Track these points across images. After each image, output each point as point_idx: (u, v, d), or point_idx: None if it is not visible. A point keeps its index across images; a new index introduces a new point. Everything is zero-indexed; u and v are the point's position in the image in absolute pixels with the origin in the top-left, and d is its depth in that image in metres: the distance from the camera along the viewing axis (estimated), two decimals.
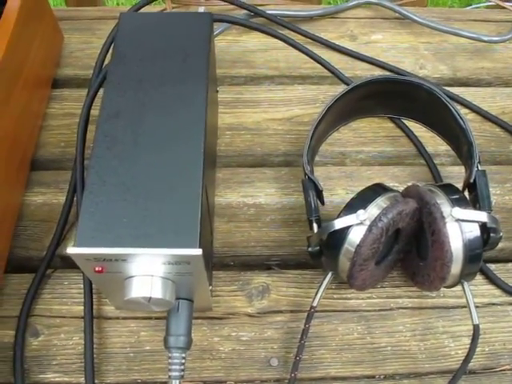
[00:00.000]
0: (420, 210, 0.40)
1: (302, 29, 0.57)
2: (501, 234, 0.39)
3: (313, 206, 0.43)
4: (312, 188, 0.44)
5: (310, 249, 0.42)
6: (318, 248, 0.41)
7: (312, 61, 0.56)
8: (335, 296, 0.45)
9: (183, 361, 0.37)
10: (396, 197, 0.41)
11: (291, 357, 0.41)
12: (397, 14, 0.61)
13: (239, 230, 0.47)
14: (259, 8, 0.55)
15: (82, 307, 0.42)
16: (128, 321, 0.43)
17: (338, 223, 0.39)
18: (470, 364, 0.40)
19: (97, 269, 0.33)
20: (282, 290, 0.45)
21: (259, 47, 0.59)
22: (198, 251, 0.31)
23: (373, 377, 0.41)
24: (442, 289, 0.45)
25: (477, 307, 0.41)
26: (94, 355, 0.41)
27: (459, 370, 0.39)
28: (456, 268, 0.39)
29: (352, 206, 0.40)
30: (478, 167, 0.43)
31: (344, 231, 0.39)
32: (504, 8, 0.62)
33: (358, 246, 0.38)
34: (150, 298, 0.34)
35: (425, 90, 0.48)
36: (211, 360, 0.42)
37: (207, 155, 0.38)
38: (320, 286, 0.42)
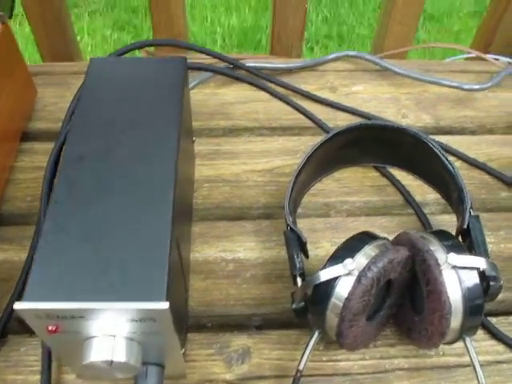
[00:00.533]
0: (412, 258, 0.37)
1: (282, 80, 0.57)
2: (501, 282, 0.36)
3: (296, 259, 0.40)
4: (295, 240, 0.41)
5: (294, 305, 0.38)
6: (302, 304, 0.38)
7: (293, 112, 0.55)
8: (324, 358, 0.40)
9: None
10: (385, 244, 0.38)
11: None
12: (377, 67, 0.61)
13: (217, 288, 0.43)
14: (239, 61, 0.55)
15: (39, 376, 0.37)
16: None
17: (324, 275, 0.36)
18: None
19: (50, 328, 0.29)
20: (264, 353, 0.40)
21: (238, 99, 0.58)
22: (165, 305, 0.27)
23: None
24: (442, 346, 0.41)
25: (481, 366, 0.37)
26: None
27: None
28: (456, 321, 0.35)
29: (338, 256, 0.37)
30: (470, 212, 0.41)
31: (330, 283, 0.36)
32: (483, 60, 0.62)
33: (347, 299, 0.35)
34: (112, 361, 0.30)
35: (410, 136, 0.46)
36: None
37: (180, 207, 0.35)
38: (306, 347, 0.37)
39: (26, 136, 0.53)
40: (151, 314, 0.28)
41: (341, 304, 0.35)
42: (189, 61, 0.41)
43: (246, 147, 0.53)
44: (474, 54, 0.60)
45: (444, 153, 0.44)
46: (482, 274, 0.36)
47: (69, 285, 0.28)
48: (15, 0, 0.50)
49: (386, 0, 0.64)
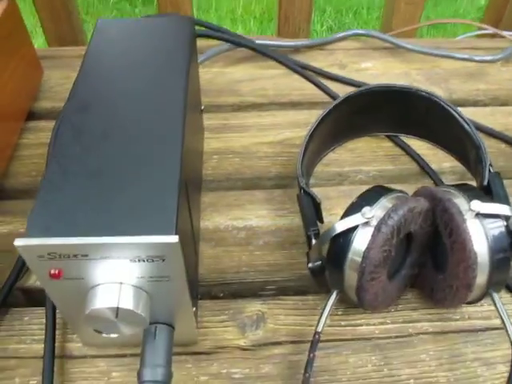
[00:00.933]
0: (433, 210, 0.35)
1: (291, 58, 0.56)
2: None
3: (311, 219, 0.38)
4: (309, 201, 0.39)
5: (310, 264, 0.36)
6: (319, 262, 0.36)
7: (302, 88, 0.54)
8: (343, 323, 0.38)
9: None
10: (404, 196, 0.36)
11: None
12: (386, 44, 0.60)
13: (228, 255, 0.42)
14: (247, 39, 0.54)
15: (43, 345, 0.35)
16: (97, 360, 0.36)
17: (340, 225, 0.34)
18: None
19: (52, 272, 0.27)
20: (279, 319, 0.38)
21: (246, 77, 0.57)
22: (175, 238, 0.26)
23: None
24: (467, 310, 0.39)
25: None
26: None
27: None
28: (482, 272, 0.33)
29: (354, 208, 0.35)
30: (490, 170, 0.39)
31: (348, 234, 0.34)
32: (493, 37, 0.61)
33: (367, 249, 0.33)
34: (118, 308, 0.28)
35: (422, 98, 0.45)
36: None
37: (189, 161, 0.33)
38: (325, 308, 0.35)
39: (32, 115, 0.52)
40: (160, 250, 0.26)
41: (360, 257, 0.33)
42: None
43: (255, 121, 0.52)
44: (488, 28, 0.59)
45: (458, 110, 0.43)
46: (507, 226, 0.34)
47: (72, 221, 0.26)
48: None
49: None
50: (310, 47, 0.59)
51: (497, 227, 0.34)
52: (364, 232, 0.34)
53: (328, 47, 0.61)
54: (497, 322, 0.38)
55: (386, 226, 0.33)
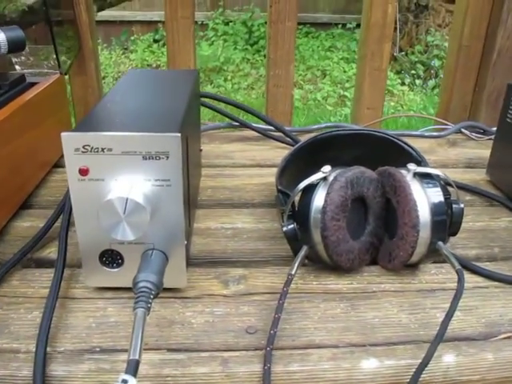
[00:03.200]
0: (382, 182, 0.44)
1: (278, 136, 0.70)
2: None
3: (284, 201, 0.46)
4: (284, 195, 0.48)
5: (284, 228, 0.43)
6: (292, 225, 0.43)
7: None
8: (314, 283, 0.43)
9: (151, 299, 0.34)
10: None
11: (269, 327, 0.37)
12: None
13: (217, 243, 0.48)
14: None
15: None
16: (96, 300, 0.40)
17: (305, 182, 0.42)
18: (469, 332, 0.38)
19: (82, 167, 0.35)
20: (259, 278, 0.43)
21: (238, 150, 0.70)
22: (177, 134, 0.35)
23: (363, 345, 0.37)
24: (424, 277, 0.44)
25: (464, 290, 0.40)
26: (52, 324, 0.37)
27: (450, 307, 0.36)
28: (424, 214, 0.40)
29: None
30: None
31: (311, 189, 0.42)
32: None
33: (327, 193, 0.41)
34: (127, 200, 0.35)
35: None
36: (181, 329, 0.38)
37: (187, 132, 0.44)
38: (297, 257, 0.41)
39: (59, 165, 0.64)
40: (166, 143, 0.35)
41: (322, 203, 0.41)
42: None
43: (244, 172, 0.63)
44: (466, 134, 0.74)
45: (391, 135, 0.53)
46: (443, 186, 0.42)
47: (104, 127, 0.36)
48: (72, 63, 0.66)
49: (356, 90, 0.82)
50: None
51: (430, 182, 0.42)
52: (324, 184, 0.42)
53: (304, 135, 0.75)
54: (451, 285, 0.43)
55: (341, 177, 0.41)
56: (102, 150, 0.35)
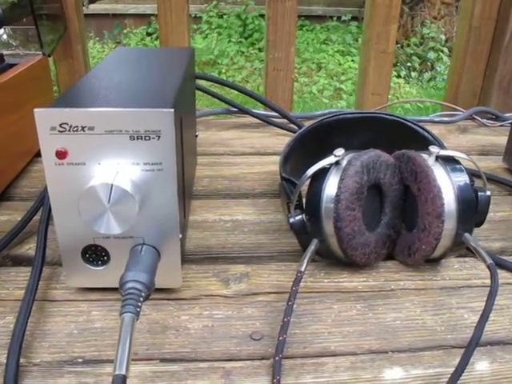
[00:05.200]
0: (399, 168, 0.39)
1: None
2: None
3: (291, 192, 0.41)
4: (289, 183, 0.43)
5: (291, 219, 0.39)
6: (300, 216, 0.38)
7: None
8: (326, 280, 0.38)
9: (141, 302, 0.30)
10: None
11: (277, 333, 0.32)
12: None
13: (215, 237, 0.43)
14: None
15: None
16: (79, 302, 0.35)
17: (315, 167, 0.38)
18: (502, 335, 0.33)
19: (59, 149, 0.30)
20: (263, 276, 0.39)
21: (236, 137, 0.65)
22: (170, 110, 0.30)
23: (384, 352, 0.32)
24: (447, 273, 0.39)
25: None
26: (27, 332, 0.32)
27: (486, 307, 0.31)
28: (449, 202, 0.36)
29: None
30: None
31: (322, 175, 0.37)
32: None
33: (341, 179, 0.36)
34: (112, 186, 0.30)
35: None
36: (176, 336, 0.33)
37: (182, 110, 0.39)
38: (307, 252, 0.37)
39: None
40: (156, 121, 0.30)
41: (334, 193, 0.36)
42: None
43: (243, 160, 0.58)
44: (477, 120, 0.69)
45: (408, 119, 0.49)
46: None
47: (85, 102, 0.31)
48: (57, 45, 0.61)
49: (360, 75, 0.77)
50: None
51: (456, 167, 0.37)
52: (336, 170, 0.37)
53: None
54: (477, 281, 0.39)
55: (356, 160, 0.37)
56: (83, 128, 0.30)
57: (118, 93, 0.34)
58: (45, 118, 0.30)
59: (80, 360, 0.31)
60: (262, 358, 0.31)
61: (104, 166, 0.31)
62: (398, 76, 3.05)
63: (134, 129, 0.30)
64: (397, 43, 3.27)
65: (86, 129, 0.30)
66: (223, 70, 3.06)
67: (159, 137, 0.30)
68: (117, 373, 0.25)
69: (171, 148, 0.31)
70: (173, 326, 0.33)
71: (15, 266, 0.39)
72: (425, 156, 0.38)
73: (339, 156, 0.37)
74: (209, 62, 3.15)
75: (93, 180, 0.30)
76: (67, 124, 0.30)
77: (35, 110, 0.29)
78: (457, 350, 0.32)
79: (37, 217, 0.42)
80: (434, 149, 0.38)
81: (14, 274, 0.38)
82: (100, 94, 0.34)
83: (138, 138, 0.30)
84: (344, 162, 0.37)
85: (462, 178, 0.37)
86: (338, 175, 0.36)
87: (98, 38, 3.27)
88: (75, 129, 0.30)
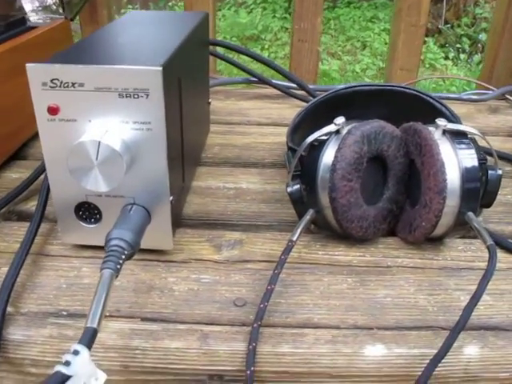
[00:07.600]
0: (406, 141, 0.37)
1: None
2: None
3: (294, 162, 0.40)
4: (293, 152, 0.42)
5: (288, 189, 0.38)
6: (297, 186, 0.37)
7: None
8: (320, 252, 0.37)
9: (122, 259, 0.30)
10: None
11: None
12: None
13: (215, 203, 0.43)
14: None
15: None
16: (71, 258, 0.36)
17: (314, 135, 0.36)
18: (498, 321, 0.32)
19: (51, 105, 0.30)
20: (257, 244, 0.38)
21: (255, 107, 0.64)
22: (158, 68, 0.29)
23: (369, 328, 0.31)
24: (449, 253, 0.38)
25: (496, 271, 0.33)
26: (19, 283, 0.33)
27: (478, 288, 0.30)
28: (453, 178, 0.34)
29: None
30: None
31: (320, 145, 0.36)
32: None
33: (338, 148, 0.35)
34: (99, 143, 0.30)
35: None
36: (160, 296, 0.33)
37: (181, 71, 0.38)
38: (300, 222, 0.36)
39: None
40: (145, 79, 0.29)
41: (331, 158, 0.35)
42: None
43: (258, 130, 0.57)
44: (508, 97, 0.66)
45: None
46: (478, 148, 0.36)
47: (77, 59, 0.31)
48: (81, 9, 0.61)
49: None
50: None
51: (463, 142, 0.35)
52: (336, 139, 0.36)
53: None
54: (481, 264, 0.37)
55: (356, 130, 0.35)
56: (73, 85, 0.30)
57: (113, 51, 0.33)
58: (36, 73, 0.30)
59: (64, 313, 0.31)
60: (243, 325, 0.31)
61: (94, 124, 0.31)
62: (446, 58, 2.93)
63: (123, 86, 0.30)
64: (447, 23, 3.16)
65: (76, 85, 0.30)
66: (266, 46, 3.03)
67: (147, 95, 0.30)
68: (88, 325, 0.26)
69: (160, 107, 0.30)
70: (158, 287, 0.34)
71: (19, 221, 0.40)
72: (432, 129, 0.36)
73: (339, 125, 0.36)
74: (252, 36, 3.11)
75: (83, 137, 0.30)
76: (58, 80, 0.30)
77: (27, 64, 0.30)
78: (446, 332, 0.30)
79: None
80: (441, 122, 0.36)
81: (16, 228, 0.39)
82: (95, 52, 0.33)
83: (126, 96, 0.30)
84: (344, 131, 0.36)
85: (469, 154, 0.35)
86: (336, 144, 0.35)
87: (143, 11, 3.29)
88: (66, 85, 0.30)
